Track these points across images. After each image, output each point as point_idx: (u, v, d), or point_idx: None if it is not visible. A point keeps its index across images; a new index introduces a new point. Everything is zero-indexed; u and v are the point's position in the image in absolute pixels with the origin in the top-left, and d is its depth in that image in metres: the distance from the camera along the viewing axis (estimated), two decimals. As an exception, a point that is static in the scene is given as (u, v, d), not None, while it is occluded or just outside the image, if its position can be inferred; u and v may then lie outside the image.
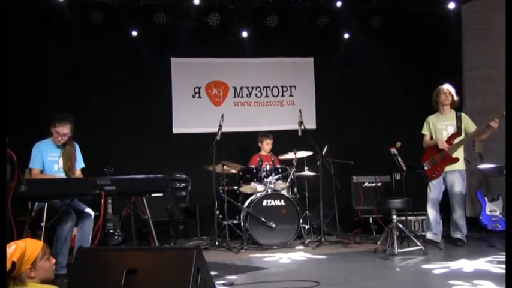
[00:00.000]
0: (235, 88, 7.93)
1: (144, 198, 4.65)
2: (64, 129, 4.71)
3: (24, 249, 2.46)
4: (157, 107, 7.60)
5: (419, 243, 5.12)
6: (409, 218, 6.42)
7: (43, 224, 4.02)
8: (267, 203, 6.06)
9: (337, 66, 7.90)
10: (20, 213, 4.39)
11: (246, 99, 7.93)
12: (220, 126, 6.28)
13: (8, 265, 2.38)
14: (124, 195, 4.98)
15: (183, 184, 6.83)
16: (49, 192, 3.99)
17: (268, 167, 6.37)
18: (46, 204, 4.05)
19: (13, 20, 6.57)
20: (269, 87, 8.01)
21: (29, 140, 4.84)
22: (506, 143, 3.09)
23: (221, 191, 6.46)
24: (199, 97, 7.81)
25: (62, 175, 4.76)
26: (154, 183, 4.42)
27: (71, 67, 7.23)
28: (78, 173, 4.93)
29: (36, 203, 4.44)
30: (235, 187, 6.74)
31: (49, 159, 4.75)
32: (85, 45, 7.16)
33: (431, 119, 5.88)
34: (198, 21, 7.38)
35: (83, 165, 4.98)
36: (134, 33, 7.42)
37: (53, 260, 2.61)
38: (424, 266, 4.51)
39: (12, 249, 2.45)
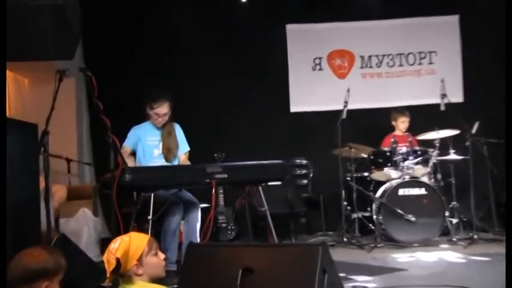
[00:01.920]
0: (362, 57, 7.77)
1: (260, 187, 4.69)
2: (163, 109, 4.86)
3: (129, 244, 2.53)
4: (272, 82, 7.63)
5: None
6: None
7: (150, 217, 4.17)
8: (404, 192, 5.96)
9: (489, 25, 7.40)
10: (125, 205, 4.61)
11: (375, 70, 7.76)
12: (346, 102, 6.22)
13: (113, 262, 2.48)
14: (237, 184, 5.07)
15: (304, 171, 6.82)
16: (155, 181, 4.13)
17: (404, 149, 6.24)
18: (152, 195, 4.20)
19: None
20: (403, 54, 7.77)
21: (125, 126, 5.06)
22: (506, 143, 3.34)
23: (349, 179, 6.42)
24: (320, 69, 7.76)
25: (163, 161, 4.91)
26: (271, 171, 4.44)
27: (167, 39, 7.43)
28: (183, 158, 5.07)
29: (142, 194, 4.60)
30: (366, 173, 6.67)
31: (148, 144, 4.93)
32: (184, 14, 7.30)
33: None
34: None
35: (187, 149, 5.11)
36: (243, -1, 7.47)
37: (162, 256, 2.66)
38: None
39: (117, 245, 2.54)
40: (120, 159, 3.76)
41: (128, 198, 4.77)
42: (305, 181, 6.84)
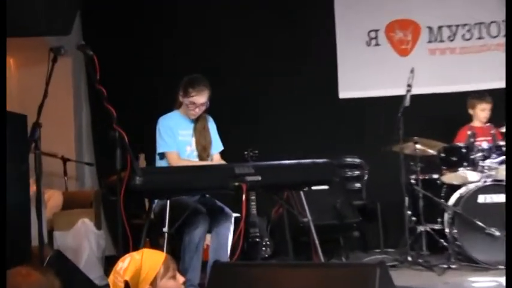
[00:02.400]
0: (430, 28, 7.71)
1: (301, 193, 4.68)
2: (201, 98, 4.85)
3: (141, 264, 2.55)
4: (315, 62, 7.62)
5: None
6: None
7: (165, 229, 4.20)
8: (485, 198, 5.88)
9: None
10: (136, 215, 4.65)
11: (447, 44, 7.69)
12: (410, 86, 6.14)
13: (121, 285, 2.49)
14: (273, 188, 5.04)
15: (357, 172, 6.81)
16: (172, 185, 4.16)
17: (485, 144, 6.16)
18: (168, 202, 4.22)
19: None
20: (483, 23, 7.67)
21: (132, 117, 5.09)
22: (506, 144, 3.66)
23: (413, 182, 6.36)
24: (377, 44, 7.74)
25: (196, 160, 4.95)
26: (315, 172, 4.46)
27: (185, 6, 7.52)
28: (217, 158, 5.11)
29: (156, 201, 4.65)
30: (435, 175, 6.60)
31: (180, 139, 4.93)
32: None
33: None
34: None
35: (221, 147, 5.15)
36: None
37: (181, 279, 2.67)
38: None
39: (126, 264, 2.55)
40: (129, 158, 3.78)
41: (138, 207, 4.81)
42: (358, 185, 6.82)
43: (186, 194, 4.70)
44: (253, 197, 6.05)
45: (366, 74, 7.67)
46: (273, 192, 5.30)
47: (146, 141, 5.08)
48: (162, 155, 4.88)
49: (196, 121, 4.98)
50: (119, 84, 6.50)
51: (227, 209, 4.87)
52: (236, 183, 4.15)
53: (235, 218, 4.87)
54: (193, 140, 4.97)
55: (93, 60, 3.79)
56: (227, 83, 7.30)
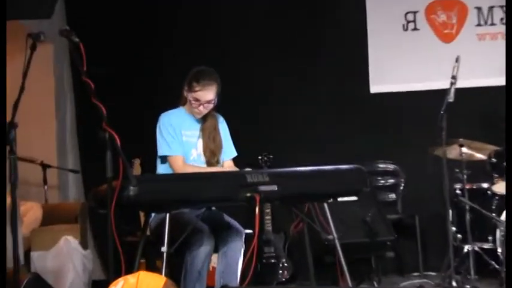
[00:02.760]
0: (479, 9, 7.70)
1: (326, 205, 4.65)
2: (208, 94, 4.80)
3: (136, 288, 2.55)
4: (343, 52, 7.64)
5: None
6: None
7: (164, 248, 4.19)
8: (547, 212, 5.83)
9: None
10: (129, 231, 4.64)
11: (499, 28, 7.66)
12: (454, 78, 6.08)
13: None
14: (292, 200, 5.00)
15: (391, 180, 6.80)
16: (172, 196, 4.11)
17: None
18: (168, 216, 4.21)
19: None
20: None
21: (138, 117, 5.08)
22: (506, 144, 3.98)
23: (459, 192, 6.38)
24: (415, 29, 7.75)
25: (204, 166, 4.91)
26: (342, 180, 4.45)
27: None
28: (228, 165, 5.07)
29: (153, 215, 4.63)
30: (485, 185, 6.59)
31: (184, 140, 4.90)
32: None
33: None
34: None
35: (234, 154, 5.12)
36: None
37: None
38: None
39: (118, 289, 2.55)
40: (121, 163, 3.75)
41: (132, 222, 4.80)
42: (393, 196, 6.80)
43: (189, 207, 4.67)
44: (268, 210, 6.05)
45: (402, 64, 7.69)
46: (291, 204, 5.25)
47: (142, 143, 5.08)
48: (164, 159, 4.84)
49: (204, 120, 4.95)
50: (109, 77, 6.51)
51: (237, 225, 4.84)
52: (248, 194, 4.10)
53: (247, 235, 4.85)
54: (199, 143, 4.94)
55: (79, 48, 3.77)
56: (237, 78, 7.31)
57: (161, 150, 4.82)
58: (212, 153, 4.93)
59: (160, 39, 7.46)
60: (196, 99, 4.80)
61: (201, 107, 4.83)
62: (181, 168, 4.72)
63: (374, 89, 7.68)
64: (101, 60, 5.45)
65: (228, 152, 5.06)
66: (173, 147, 4.79)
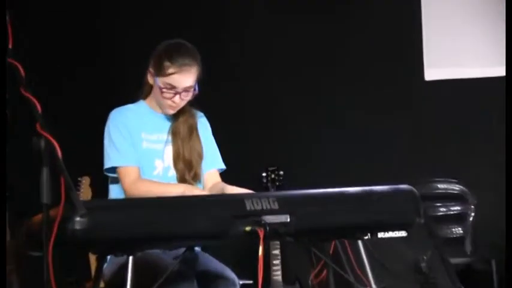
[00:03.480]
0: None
1: (360, 243, 4.62)
2: (187, 78, 4.76)
3: None
4: (388, 30, 7.84)
5: None
6: None
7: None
8: None
9: None
10: (75, 281, 4.58)
11: None
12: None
13: None
14: (312, 236, 4.96)
15: (457, 208, 6.76)
16: (136, 230, 4.03)
17: None
18: (131, 260, 4.13)
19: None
20: None
21: (87, 119, 5.04)
22: (506, 145, 4.83)
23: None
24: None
25: (175, 183, 4.88)
26: (384, 207, 4.37)
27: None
28: (212, 181, 5.03)
29: (109, 258, 4.61)
30: None
31: (144, 147, 4.89)
32: None
33: None
34: None
35: (221, 166, 5.11)
36: None
37: None
38: None
39: None
40: (62, 183, 3.65)
41: (79, 268, 4.74)
42: (459, 230, 6.76)
43: (161, 248, 4.67)
44: (276, 251, 6.00)
45: (464, 45, 7.95)
46: (310, 242, 5.22)
47: (93, 156, 5.02)
48: (115, 177, 4.81)
49: (175, 119, 4.94)
50: (47, 67, 6.54)
51: (229, 273, 4.82)
52: (247, 228, 4.02)
53: (245, 286, 4.79)
54: (167, 151, 4.93)
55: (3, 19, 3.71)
56: (237, 71, 7.48)
57: (108, 161, 4.78)
58: (187, 166, 4.90)
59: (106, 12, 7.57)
60: (171, 86, 4.74)
61: (176, 97, 4.78)
62: (133, 185, 4.68)
63: (430, 75, 7.88)
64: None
65: (212, 162, 5.05)
66: (125, 155, 4.76)
